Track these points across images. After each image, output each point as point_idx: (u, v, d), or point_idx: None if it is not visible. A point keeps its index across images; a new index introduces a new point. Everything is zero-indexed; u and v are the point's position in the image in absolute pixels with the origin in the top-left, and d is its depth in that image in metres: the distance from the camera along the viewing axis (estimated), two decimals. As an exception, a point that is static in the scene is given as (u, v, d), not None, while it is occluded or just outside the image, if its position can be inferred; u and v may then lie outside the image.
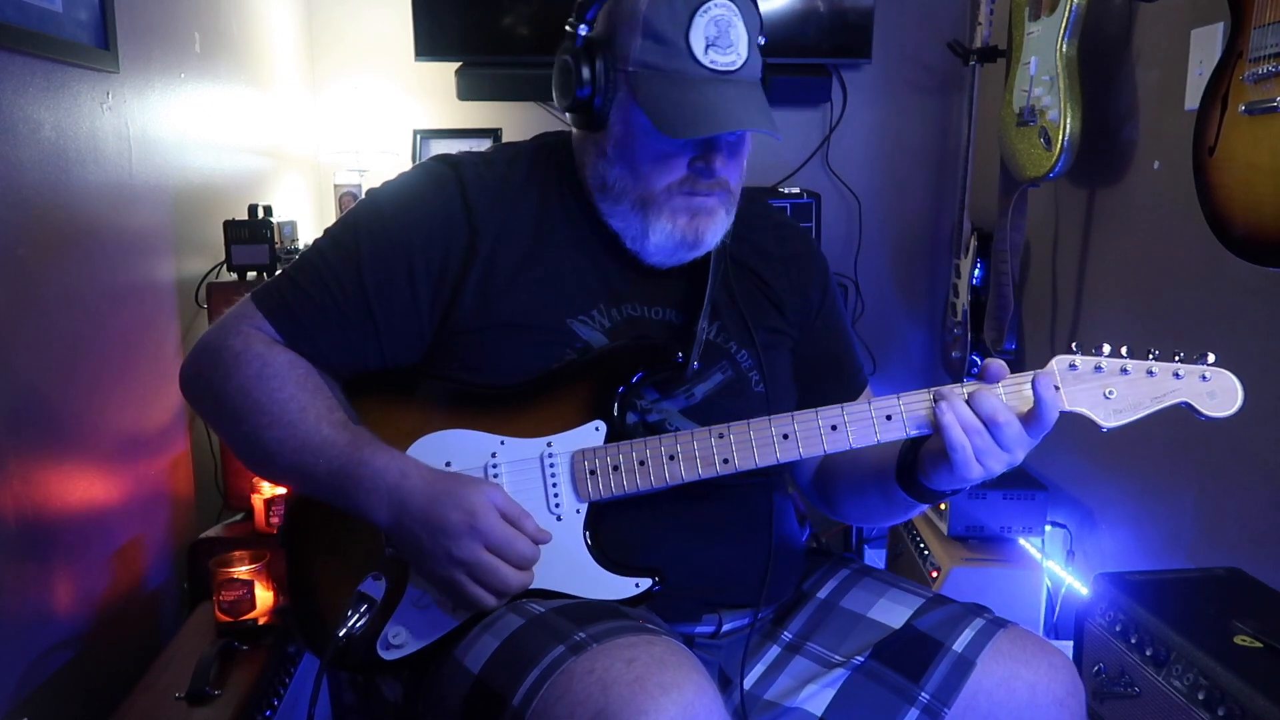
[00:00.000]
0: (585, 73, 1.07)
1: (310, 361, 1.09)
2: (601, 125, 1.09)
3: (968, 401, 1.00)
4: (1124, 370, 1.02)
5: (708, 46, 1.03)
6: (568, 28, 1.10)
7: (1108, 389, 1.02)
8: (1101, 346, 1.03)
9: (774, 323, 1.22)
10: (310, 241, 1.16)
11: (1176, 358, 1.02)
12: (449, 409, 1.10)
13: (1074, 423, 1.03)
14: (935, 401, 1.01)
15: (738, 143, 1.11)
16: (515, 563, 1.00)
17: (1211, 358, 1.02)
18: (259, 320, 1.09)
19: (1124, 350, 1.03)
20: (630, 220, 1.11)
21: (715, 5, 1.03)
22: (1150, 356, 1.03)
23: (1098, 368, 1.02)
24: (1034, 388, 0.99)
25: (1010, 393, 1.01)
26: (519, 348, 1.10)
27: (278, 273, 1.14)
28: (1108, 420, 1.02)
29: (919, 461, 1.07)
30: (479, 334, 1.10)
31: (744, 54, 1.05)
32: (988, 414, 0.99)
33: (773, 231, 1.26)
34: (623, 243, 1.14)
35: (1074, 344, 1.04)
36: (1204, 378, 1.02)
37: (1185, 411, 1.03)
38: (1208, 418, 1.02)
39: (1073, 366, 1.02)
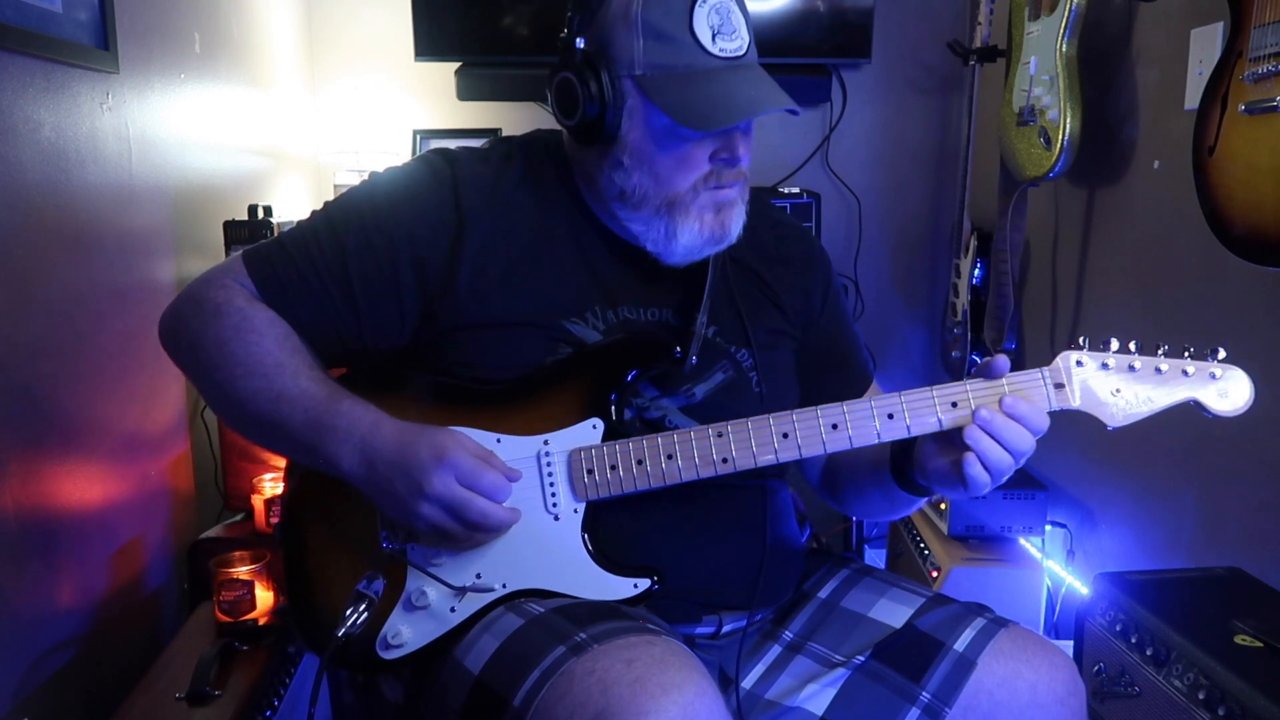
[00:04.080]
0: (593, 87, 1.05)
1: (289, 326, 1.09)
2: (613, 138, 1.08)
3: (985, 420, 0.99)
4: (1131, 367, 1.00)
5: (714, 35, 1.03)
6: (561, 42, 1.08)
7: (1114, 387, 1.00)
8: (1109, 342, 1.01)
9: (775, 323, 1.21)
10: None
11: (1186, 354, 1.00)
12: (446, 406, 1.10)
13: (1074, 422, 1.02)
14: (972, 422, 1.00)
15: (748, 130, 1.11)
16: (487, 494, 1.00)
17: (1222, 354, 1.00)
18: (243, 278, 1.09)
19: (1132, 346, 1.01)
20: (654, 224, 1.10)
21: None
22: (1159, 353, 1.00)
23: (1104, 365, 1.00)
24: (1023, 422, 0.99)
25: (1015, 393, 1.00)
26: (514, 346, 1.10)
27: (270, 238, 1.14)
28: (1114, 419, 1.00)
29: (915, 464, 1.07)
30: (474, 331, 1.10)
31: (747, 39, 1.06)
32: (1015, 449, 0.99)
33: (773, 231, 1.25)
34: (633, 244, 1.13)
35: (1081, 339, 1.02)
36: (1213, 375, 1.00)
37: (1191, 410, 1.01)
38: (1216, 415, 1.00)
39: (1079, 363, 1.00)
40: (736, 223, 1.12)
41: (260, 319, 1.07)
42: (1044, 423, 0.99)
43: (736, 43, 1.05)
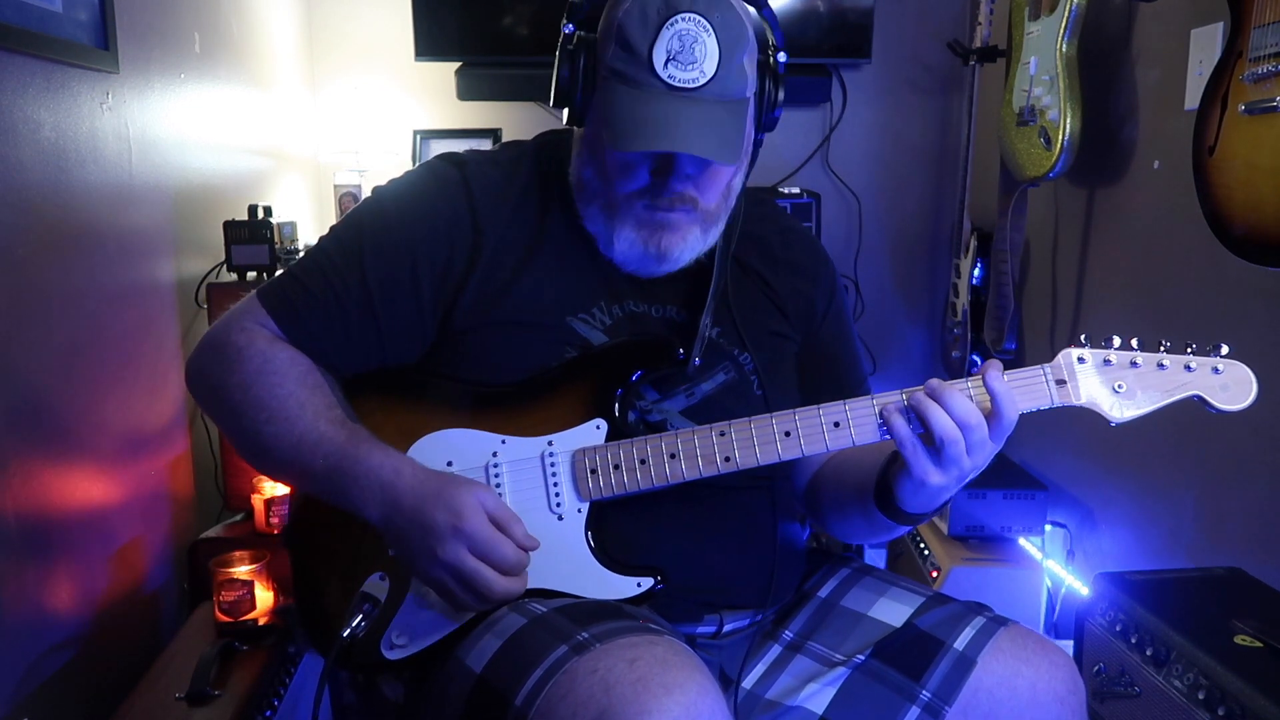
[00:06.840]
0: (565, 70, 1.08)
1: (312, 359, 1.09)
2: (581, 123, 1.10)
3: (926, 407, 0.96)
4: (1134, 363, 1.00)
5: (668, 60, 1.01)
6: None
7: (1117, 383, 1.00)
8: (1111, 339, 1.01)
9: (778, 326, 1.21)
10: (315, 239, 1.17)
11: (1189, 350, 1.00)
12: (450, 408, 1.10)
13: (1074, 422, 1.02)
14: (887, 416, 0.98)
15: (698, 170, 1.07)
16: (499, 567, 0.99)
17: (1225, 349, 1.00)
18: (262, 316, 1.09)
19: (1134, 342, 1.01)
20: (598, 223, 1.11)
21: (683, 19, 1.00)
22: (1161, 349, 1.01)
23: (1106, 361, 1.00)
24: (985, 382, 0.96)
25: (973, 390, 0.98)
26: (519, 346, 1.10)
27: (283, 270, 1.14)
28: (1117, 414, 1.00)
29: (892, 487, 1.05)
30: (479, 332, 1.10)
31: (709, 72, 1.01)
32: (961, 418, 0.96)
33: (779, 236, 1.25)
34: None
35: (1083, 336, 1.02)
36: (1216, 370, 0.99)
37: (1194, 406, 1.01)
38: (1220, 411, 1.00)
39: (1081, 360, 1.00)
40: (680, 248, 1.09)
41: (281, 359, 1.07)
42: (997, 401, 0.96)
43: (692, 73, 1.01)
